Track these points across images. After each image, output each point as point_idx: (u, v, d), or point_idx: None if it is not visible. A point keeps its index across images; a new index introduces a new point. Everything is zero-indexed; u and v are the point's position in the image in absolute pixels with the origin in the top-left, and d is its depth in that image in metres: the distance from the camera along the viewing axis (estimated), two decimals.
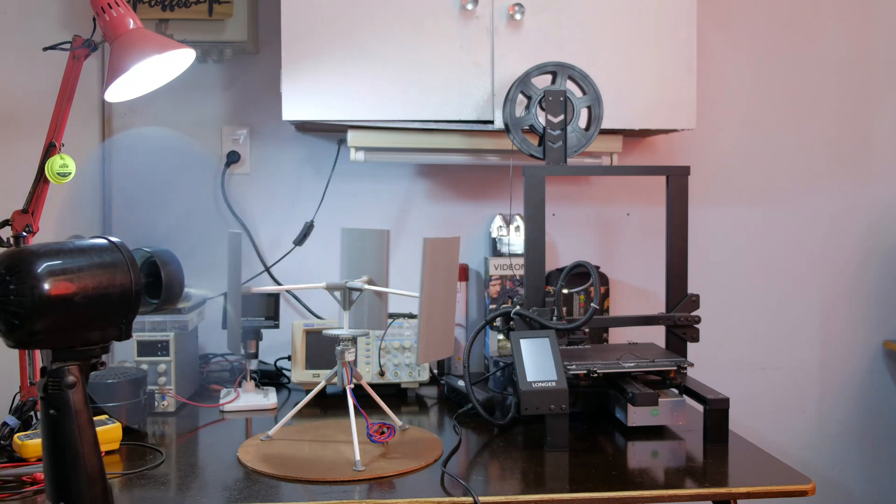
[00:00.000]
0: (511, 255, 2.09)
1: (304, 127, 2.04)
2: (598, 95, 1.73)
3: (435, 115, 1.84)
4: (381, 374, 1.88)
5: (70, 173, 1.55)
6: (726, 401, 1.52)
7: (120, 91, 1.60)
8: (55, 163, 1.53)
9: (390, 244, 1.55)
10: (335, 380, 1.50)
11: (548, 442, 1.48)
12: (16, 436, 1.42)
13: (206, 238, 2.11)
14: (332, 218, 2.15)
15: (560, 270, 2.08)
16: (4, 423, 1.48)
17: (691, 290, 1.74)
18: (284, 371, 2.03)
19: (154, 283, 1.15)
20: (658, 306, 2.19)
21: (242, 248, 1.54)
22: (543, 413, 1.46)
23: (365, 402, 1.57)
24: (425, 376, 1.90)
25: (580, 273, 2.05)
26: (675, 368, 1.59)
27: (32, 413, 1.53)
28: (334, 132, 2.11)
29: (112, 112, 2.10)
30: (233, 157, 2.12)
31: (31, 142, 1.85)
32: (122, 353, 1.79)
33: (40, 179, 1.54)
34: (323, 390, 1.88)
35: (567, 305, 2.04)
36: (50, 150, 1.54)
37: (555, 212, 2.23)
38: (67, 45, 1.58)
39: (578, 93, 1.74)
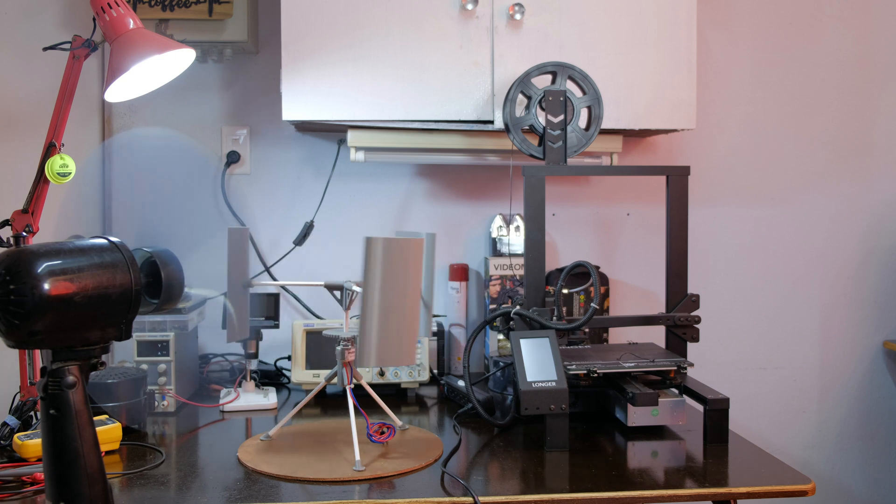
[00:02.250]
0: (511, 255, 2.09)
1: (304, 127, 2.04)
2: (598, 95, 1.73)
3: (435, 115, 1.84)
4: (381, 374, 1.88)
5: (70, 173, 1.55)
6: (726, 401, 1.52)
7: (120, 91, 1.60)
8: (55, 163, 1.53)
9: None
10: (335, 380, 1.50)
11: (548, 442, 1.48)
12: (16, 436, 1.42)
13: (206, 238, 2.11)
14: (332, 218, 2.15)
15: (560, 270, 2.08)
16: (4, 423, 1.48)
17: (691, 290, 1.74)
18: (284, 371, 2.03)
19: (154, 283, 1.15)
20: (658, 306, 2.19)
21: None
22: (543, 413, 1.46)
23: (365, 402, 1.57)
24: (425, 376, 1.90)
25: (580, 273, 2.05)
26: (675, 368, 1.59)
27: (32, 413, 1.53)
28: (334, 132, 2.11)
29: (112, 112, 2.10)
30: (233, 157, 2.12)
31: (31, 142, 1.85)
32: (122, 353, 1.79)
33: (40, 179, 1.54)
34: (323, 390, 1.89)
35: (567, 305, 2.04)
36: (50, 150, 1.54)
37: (555, 212, 2.23)
38: (67, 45, 1.58)
39: (578, 93, 1.74)
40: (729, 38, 2.27)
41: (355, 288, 1.46)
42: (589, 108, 1.74)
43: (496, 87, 1.84)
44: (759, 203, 2.31)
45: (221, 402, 1.79)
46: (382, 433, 1.45)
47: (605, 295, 2.13)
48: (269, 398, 1.82)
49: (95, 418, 1.22)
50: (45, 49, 1.62)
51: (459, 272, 2.12)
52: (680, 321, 1.70)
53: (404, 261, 1.36)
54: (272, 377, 2.02)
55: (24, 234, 1.52)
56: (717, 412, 1.52)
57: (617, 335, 2.14)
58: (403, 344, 1.37)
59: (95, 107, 2.09)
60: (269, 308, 1.88)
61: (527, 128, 1.73)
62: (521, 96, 1.72)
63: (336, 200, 2.16)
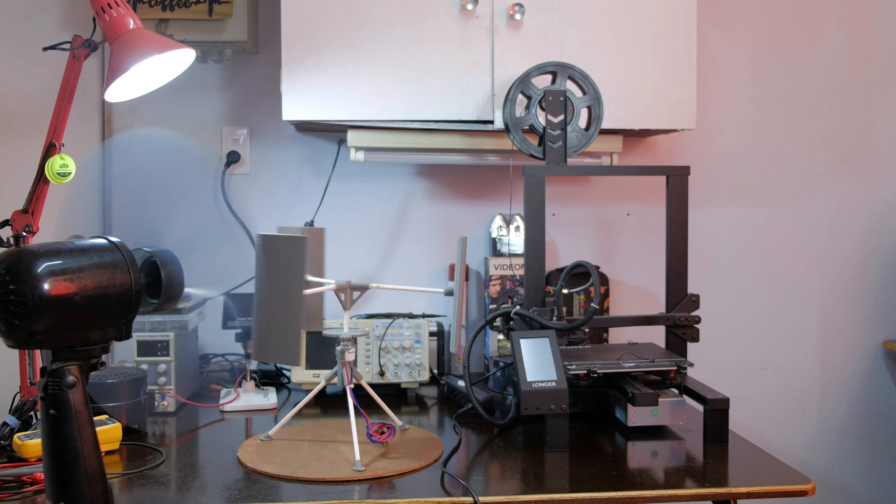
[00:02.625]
0: (511, 255, 2.09)
1: (304, 127, 2.04)
2: (598, 95, 1.73)
3: (435, 115, 1.84)
4: (381, 374, 1.88)
5: (70, 173, 1.55)
6: (726, 401, 1.52)
7: (120, 91, 1.60)
8: (55, 163, 1.53)
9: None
10: (335, 380, 1.50)
11: (548, 442, 1.48)
12: (16, 436, 1.42)
13: (206, 238, 2.11)
14: (332, 218, 2.15)
15: (560, 270, 2.08)
16: (4, 423, 1.48)
17: (691, 290, 1.74)
18: (284, 371, 2.03)
19: (154, 283, 1.14)
20: (658, 306, 2.19)
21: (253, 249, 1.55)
22: (543, 413, 1.46)
23: (365, 402, 1.57)
24: (425, 376, 1.90)
25: (580, 273, 2.05)
26: (675, 368, 1.59)
27: (32, 413, 1.53)
28: (334, 132, 2.11)
29: (112, 112, 2.10)
30: (233, 157, 2.12)
31: (31, 142, 1.85)
32: (122, 353, 1.79)
33: (40, 179, 1.54)
34: (323, 390, 1.89)
35: (567, 305, 2.04)
36: (50, 150, 1.54)
37: (555, 212, 2.23)
38: (67, 45, 1.58)
39: (578, 93, 1.74)
40: (729, 38, 2.27)
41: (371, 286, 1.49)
42: (589, 108, 1.74)
43: (496, 87, 1.84)
44: (759, 203, 2.31)
45: (221, 402, 1.79)
46: (382, 433, 1.45)
47: (605, 295, 2.13)
48: (269, 398, 1.82)
49: (95, 418, 1.22)
50: (45, 49, 1.62)
51: None
52: (680, 321, 1.70)
53: (284, 259, 1.36)
54: (272, 377, 2.02)
55: (24, 234, 1.52)
56: (717, 412, 1.52)
57: (617, 335, 2.14)
58: (283, 342, 1.38)
59: (95, 107, 2.09)
60: None
61: (527, 128, 1.73)
62: (521, 96, 1.72)
63: (336, 200, 2.16)
